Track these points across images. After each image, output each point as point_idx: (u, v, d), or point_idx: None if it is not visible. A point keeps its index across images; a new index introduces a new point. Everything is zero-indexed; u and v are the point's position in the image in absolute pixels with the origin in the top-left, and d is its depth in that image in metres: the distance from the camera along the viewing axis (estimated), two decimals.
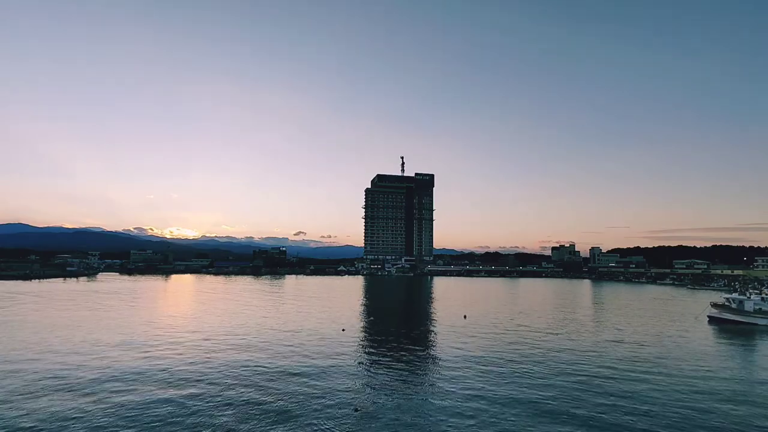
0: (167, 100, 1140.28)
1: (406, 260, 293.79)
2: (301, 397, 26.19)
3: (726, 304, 64.26)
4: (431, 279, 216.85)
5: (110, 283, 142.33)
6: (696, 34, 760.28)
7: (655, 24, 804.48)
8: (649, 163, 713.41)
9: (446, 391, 27.95)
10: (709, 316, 63.83)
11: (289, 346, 41.10)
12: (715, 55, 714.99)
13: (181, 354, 36.98)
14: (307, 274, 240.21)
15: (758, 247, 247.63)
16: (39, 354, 36.27)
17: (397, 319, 64.75)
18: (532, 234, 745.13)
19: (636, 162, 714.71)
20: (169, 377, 29.87)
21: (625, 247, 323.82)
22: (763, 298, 62.83)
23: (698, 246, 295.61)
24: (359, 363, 35.32)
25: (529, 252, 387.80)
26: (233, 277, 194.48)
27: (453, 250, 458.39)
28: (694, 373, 33.18)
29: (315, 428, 21.59)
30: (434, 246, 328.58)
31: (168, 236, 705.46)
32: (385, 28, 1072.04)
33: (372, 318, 63.49)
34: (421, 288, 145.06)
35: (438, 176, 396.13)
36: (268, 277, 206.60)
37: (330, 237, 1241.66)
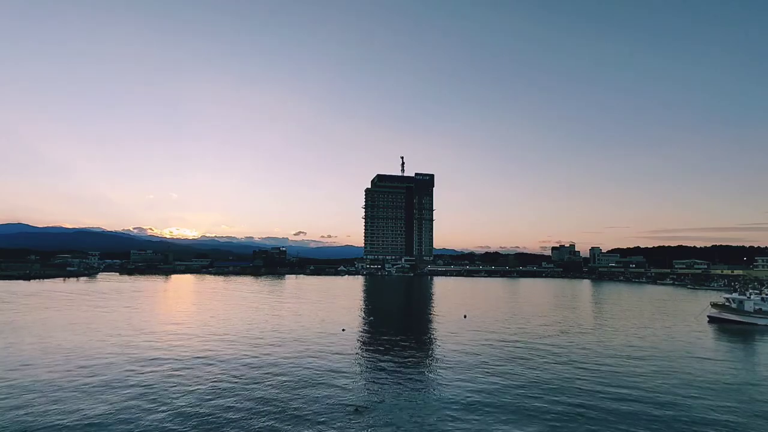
0: (167, 100, 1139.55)
1: (406, 260, 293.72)
2: (302, 397, 26.22)
3: (726, 304, 64.32)
4: (431, 279, 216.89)
5: (110, 283, 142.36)
6: (696, 34, 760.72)
7: (654, 24, 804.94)
8: (649, 163, 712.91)
9: (446, 390, 27.97)
10: (709, 316, 63.88)
11: (288, 346, 41.13)
12: (715, 56, 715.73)
13: (180, 354, 37.01)
14: (307, 274, 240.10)
15: (758, 247, 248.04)
16: (40, 355, 36.33)
17: (397, 319, 64.82)
18: (532, 234, 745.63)
19: (636, 162, 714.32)
20: (167, 377, 29.91)
21: (625, 247, 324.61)
22: (763, 298, 62.91)
23: (698, 246, 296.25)
24: (359, 363, 35.36)
25: (529, 252, 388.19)
26: (233, 277, 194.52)
27: (453, 250, 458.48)
28: (694, 373, 33.20)
29: (315, 428, 21.61)
30: (434, 246, 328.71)
31: (168, 236, 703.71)
32: (385, 28, 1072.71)
33: (372, 318, 63.52)
34: (421, 288, 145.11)
35: (438, 176, 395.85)
36: (268, 277, 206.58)
37: (330, 237, 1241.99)
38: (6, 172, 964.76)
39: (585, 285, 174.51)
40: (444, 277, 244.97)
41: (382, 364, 35.07)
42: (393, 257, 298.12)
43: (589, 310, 79.32)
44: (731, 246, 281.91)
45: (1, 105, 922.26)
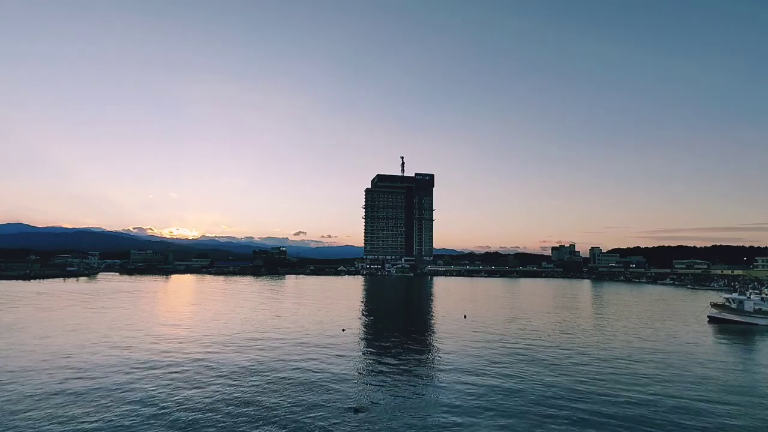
0: (167, 101, 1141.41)
1: (406, 260, 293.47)
2: (301, 397, 26.21)
3: (726, 304, 64.33)
4: (431, 279, 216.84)
5: (110, 283, 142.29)
6: (695, 34, 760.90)
7: (654, 24, 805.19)
8: (649, 163, 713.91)
9: (446, 391, 27.96)
10: (709, 316, 63.87)
11: (288, 346, 41.11)
12: (715, 56, 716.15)
13: (180, 355, 37.00)
14: (307, 274, 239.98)
15: (758, 247, 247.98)
16: (38, 358, 36.29)
17: (397, 319, 64.77)
18: (532, 234, 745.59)
19: (636, 162, 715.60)
20: (167, 377, 29.89)
21: (625, 247, 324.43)
22: (762, 298, 62.95)
23: (698, 246, 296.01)
24: (359, 363, 35.34)
25: (529, 252, 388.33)
26: (233, 277, 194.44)
27: (453, 250, 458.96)
28: (694, 374, 33.19)
29: (315, 429, 21.59)
30: (434, 246, 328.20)
31: (168, 236, 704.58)
32: (385, 29, 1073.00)
33: (372, 318, 63.50)
34: (421, 288, 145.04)
35: (438, 176, 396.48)
36: (268, 277, 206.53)
37: (330, 237, 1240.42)
38: (6, 172, 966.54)
39: (585, 285, 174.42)
40: (444, 277, 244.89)
41: (382, 364, 35.06)
42: (393, 257, 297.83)
43: (589, 310, 79.29)
44: (731, 246, 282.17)
45: (1, 105, 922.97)
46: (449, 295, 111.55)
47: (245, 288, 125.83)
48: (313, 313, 66.81)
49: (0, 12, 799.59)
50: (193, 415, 23.00)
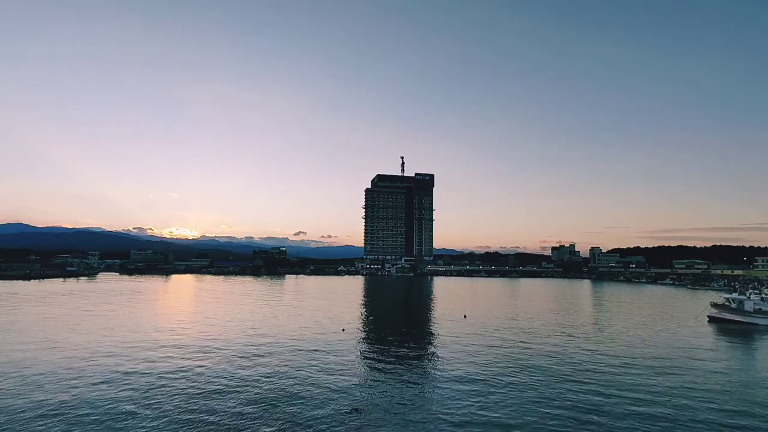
0: (167, 101, 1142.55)
1: (406, 260, 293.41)
2: (301, 397, 26.20)
3: (726, 304, 64.31)
4: (431, 279, 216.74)
5: (110, 283, 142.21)
6: (695, 34, 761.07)
7: (654, 24, 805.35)
8: (649, 163, 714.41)
9: (447, 391, 27.94)
10: (709, 316, 63.85)
11: (288, 346, 41.10)
12: (715, 56, 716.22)
13: (179, 355, 37.00)
14: (307, 274, 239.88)
15: (758, 247, 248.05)
16: (35, 360, 36.25)
17: (397, 320, 64.75)
18: (532, 234, 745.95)
19: (636, 162, 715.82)
20: (167, 378, 29.86)
21: (625, 247, 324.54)
22: (762, 298, 62.92)
23: (698, 246, 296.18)
24: (359, 363, 35.32)
25: (529, 252, 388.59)
26: (233, 277, 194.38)
27: (453, 250, 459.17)
28: (695, 374, 33.18)
29: (315, 429, 21.58)
30: (434, 246, 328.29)
31: (168, 236, 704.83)
32: (385, 29, 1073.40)
33: (372, 318, 63.46)
34: (421, 288, 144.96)
35: (438, 176, 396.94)
36: (268, 277, 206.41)
37: (330, 237, 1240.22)
38: (6, 172, 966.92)
39: (585, 285, 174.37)
40: (444, 277, 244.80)
41: (382, 364, 35.04)
42: (393, 257, 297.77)
43: (589, 310, 79.28)
44: (731, 246, 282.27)
45: (1, 105, 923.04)
46: (449, 295, 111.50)
47: (245, 288, 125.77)
48: (312, 314, 66.78)
49: (0, 12, 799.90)
50: (193, 416, 22.96)
